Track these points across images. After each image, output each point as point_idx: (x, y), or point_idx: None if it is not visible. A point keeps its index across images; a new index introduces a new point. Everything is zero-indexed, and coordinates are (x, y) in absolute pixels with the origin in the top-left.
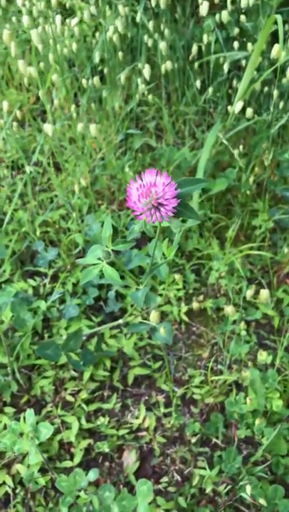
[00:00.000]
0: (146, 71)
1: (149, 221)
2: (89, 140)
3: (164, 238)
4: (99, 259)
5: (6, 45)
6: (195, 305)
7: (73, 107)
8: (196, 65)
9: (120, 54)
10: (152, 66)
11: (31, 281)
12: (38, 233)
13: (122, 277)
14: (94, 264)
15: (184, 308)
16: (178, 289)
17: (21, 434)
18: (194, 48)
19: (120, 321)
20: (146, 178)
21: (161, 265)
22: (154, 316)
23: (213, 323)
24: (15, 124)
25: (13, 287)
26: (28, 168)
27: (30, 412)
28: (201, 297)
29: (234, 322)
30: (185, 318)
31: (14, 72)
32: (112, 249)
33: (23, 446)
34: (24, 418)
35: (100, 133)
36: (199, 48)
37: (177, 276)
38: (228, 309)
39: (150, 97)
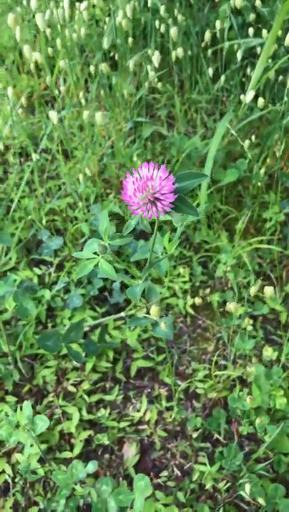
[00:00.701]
0: (156, 58)
1: (145, 216)
2: (98, 127)
3: (170, 230)
4: (95, 253)
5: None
6: (197, 300)
7: (82, 93)
8: (210, 52)
9: (130, 40)
10: (167, 52)
11: (37, 270)
12: (44, 222)
13: (126, 270)
14: (90, 259)
15: (190, 301)
16: (184, 282)
17: (18, 426)
18: (207, 35)
19: (122, 314)
20: (143, 171)
21: (160, 260)
22: (154, 311)
23: (220, 317)
24: (24, 110)
25: (18, 275)
26: (34, 156)
27: (27, 404)
28: (207, 290)
29: (240, 316)
30: (191, 311)
31: (26, 58)
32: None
33: (18, 438)
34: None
35: (110, 120)
36: (214, 34)
37: (182, 270)
38: (231, 306)
39: (160, 84)
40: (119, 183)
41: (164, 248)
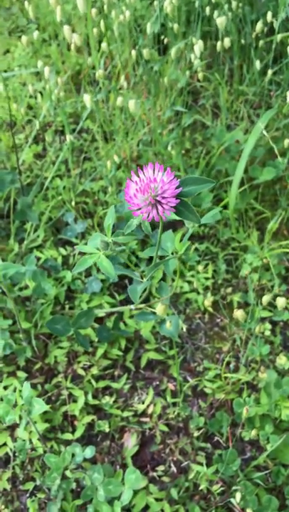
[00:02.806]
0: (198, 47)
1: (144, 218)
2: (140, 112)
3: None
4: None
5: (73, 6)
6: (206, 303)
7: (122, 77)
8: (262, 42)
9: (176, 26)
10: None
11: (62, 250)
12: (73, 203)
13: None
14: (91, 253)
15: (210, 298)
16: (206, 278)
17: (15, 405)
18: (259, 25)
19: (132, 307)
20: (147, 172)
21: (165, 260)
22: (160, 309)
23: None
24: (70, 88)
25: (43, 254)
26: (68, 137)
27: (26, 385)
28: (229, 289)
29: (260, 320)
30: (210, 308)
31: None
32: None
33: (14, 418)
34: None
35: (151, 106)
36: (271, 24)
37: (201, 268)
38: (238, 313)
39: (200, 75)
40: None
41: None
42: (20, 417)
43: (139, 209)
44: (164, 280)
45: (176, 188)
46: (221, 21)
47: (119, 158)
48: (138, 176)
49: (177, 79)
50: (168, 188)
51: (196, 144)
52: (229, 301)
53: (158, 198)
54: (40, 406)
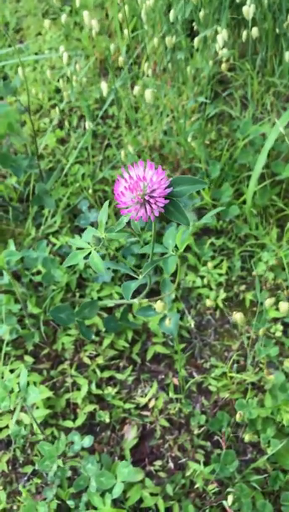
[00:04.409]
0: (222, 36)
1: (132, 217)
2: (165, 100)
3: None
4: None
5: None
6: (208, 303)
7: (146, 65)
8: None
9: (202, 14)
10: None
11: (77, 237)
12: (91, 190)
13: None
14: (82, 248)
15: (223, 294)
16: (220, 274)
17: (12, 391)
18: None
19: (135, 300)
20: (137, 170)
21: (162, 259)
22: (159, 306)
23: (251, 316)
24: (98, 73)
25: (59, 240)
26: (88, 124)
27: (24, 372)
28: (243, 287)
29: (273, 320)
30: (221, 305)
31: (110, 19)
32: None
33: (9, 404)
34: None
35: (177, 95)
36: None
37: (210, 264)
38: (237, 316)
39: (224, 66)
40: (175, 161)
41: (176, 246)
42: (16, 404)
43: (128, 207)
44: (175, 275)
45: (167, 187)
46: (247, 10)
47: (140, 146)
48: (128, 173)
49: (203, 68)
50: (157, 187)
51: (222, 135)
52: (242, 299)
53: (146, 198)
54: (35, 394)
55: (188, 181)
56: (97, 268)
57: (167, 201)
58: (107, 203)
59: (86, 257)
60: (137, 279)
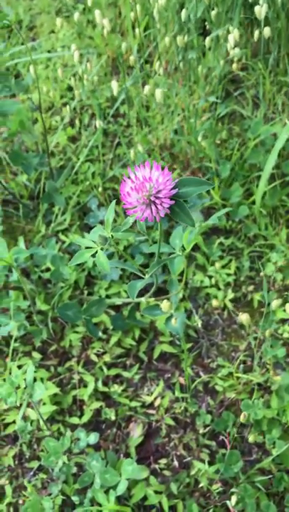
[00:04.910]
0: (233, 36)
1: (138, 218)
2: (176, 100)
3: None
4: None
5: None
6: (215, 303)
7: (157, 64)
8: None
9: (213, 13)
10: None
11: (87, 235)
12: (100, 189)
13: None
14: (88, 247)
15: (231, 295)
16: (228, 274)
17: (18, 387)
18: None
19: (142, 299)
20: (143, 171)
21: (168, 259)
22: (165, 305)
23: (259, 317)
24: (110, 71)
25: (68, 238)
26: (98, 122)
27: (31, 369)
28: (251, 287)
29: (281, 321)
30: (229, 305)
31: (123, 18)
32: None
33: (15, 400)
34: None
35: (188, 94)
36: None
37: (217, 264)
38: (243, 317)
39: (234, 66)
40: (186, 160)
41: (183, 246)
42: (22, 400)
43: (133, 208)
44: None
45: (173, 188)
46: (259, 10)
47: (150, 145)
48: (134, 173)
49: (215, 68)
50: (163, 188)
51: (233, 135)
52: (250, 300)
53: (152, 198)
54: (41, 391)
55: (194, 182)
56: (103, 267)
57: (172, 202)
58: (113, 202)
59: (93, 256)
60: (143, 278)
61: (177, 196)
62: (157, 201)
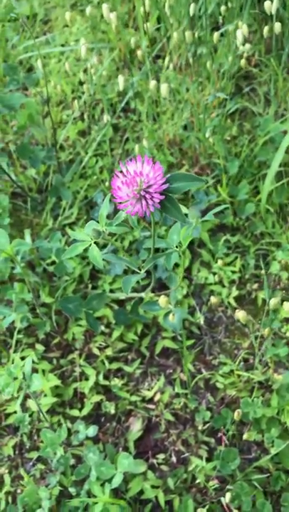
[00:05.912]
0: (241, 32)
1: (128, 212)
2: (187, 95)
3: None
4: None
5: None
6: (214, 300)
7: (167, 59)
8: None
9: (223, 8)
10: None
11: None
12: (107, 184)
13: None
14: (82, 241)
15: (235, 292)
16: (233, 272)
17: (16, 378)
18: None
19: (142, 295)
20: (135, 165)
21: (164, 254)
22: (162, 301)
23: (263, 315)
24: (122, 65)
25: (75, 231)
26: (106, 117)
27: (29, 360)
28: (256, 285)
29: (285, 320)
30: (233, 302)
31: (136, 12)
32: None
33: (13, 391)
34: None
35: (197, 90)
36: None
37: (223, 261)
38: (239, 314)
39: (243, 61)
40: (194, 156)
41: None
42: (20, 390)
43: (124, 202)
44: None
45: (164, 183)
46: (269, 6)
47: (160, 140)
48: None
49: (224, 64)
50: (153, 183)
51: (244, 132)
52: (254, 297)
53: (142, 193)
54: (38, 382)
55: (185, 178)
56: (96, 261)
57: (163, 197)
58: (108, 196)
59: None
60: (138, 273)
61: (168, 191)
62: (147, 196)
